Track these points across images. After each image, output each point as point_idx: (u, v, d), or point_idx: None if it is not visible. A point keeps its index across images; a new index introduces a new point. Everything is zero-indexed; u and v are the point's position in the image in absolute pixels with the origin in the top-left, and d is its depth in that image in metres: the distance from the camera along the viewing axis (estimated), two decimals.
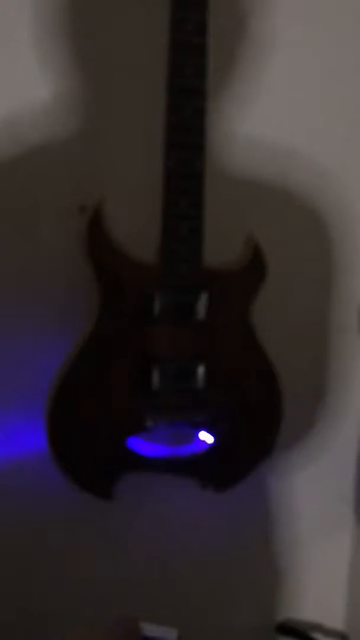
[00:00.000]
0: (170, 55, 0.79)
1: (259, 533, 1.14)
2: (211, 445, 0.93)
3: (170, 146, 0.81)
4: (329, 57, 0.96)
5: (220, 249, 0.87)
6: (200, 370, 0.89)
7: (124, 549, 1.08)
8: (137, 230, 0.86)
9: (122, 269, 0.86)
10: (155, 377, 0.88)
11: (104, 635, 0.48)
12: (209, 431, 0.92)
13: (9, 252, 0.94)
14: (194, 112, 0.80)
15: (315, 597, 1.17)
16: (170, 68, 0.79)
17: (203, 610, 1.15)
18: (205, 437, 0.93)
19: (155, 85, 0.80)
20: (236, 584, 1.16)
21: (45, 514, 1.03)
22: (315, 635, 1.17)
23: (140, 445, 0.92)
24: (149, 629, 0.52)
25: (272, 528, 1.14)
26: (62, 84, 0.89)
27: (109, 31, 0.89)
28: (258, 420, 0.94)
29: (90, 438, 0.90)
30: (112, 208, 0.86)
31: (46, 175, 0.93)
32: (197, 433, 0.93)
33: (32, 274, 0.95)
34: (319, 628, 1.18)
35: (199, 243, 0.84)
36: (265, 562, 1.16)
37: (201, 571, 1.13)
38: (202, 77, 0.79)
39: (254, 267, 0.90)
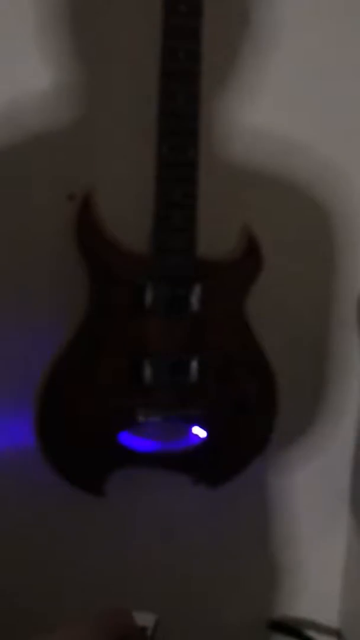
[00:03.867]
0: (163, 39, 0.77)
1: (255, 530, 1.14)
2: (204, 441, 0.92)
3: (164, 133, 0.79)
4: (332, 47, 0.94)
5: (217, 239, 0.86)
6: (194, 364, 0.87)
7: (116, 545, 1.08)
8: (130, 219, 0.84)
9: (113, 259, 0.84)
10: (147, 371, 0.86)
11: (95, 625, 0.47)
12: (202, 426, 0.91)
13: None
14: (187, 98, 0.78)
15: (310, 594, 1.17)
16: (163, 52, 0.77)
17: (197, 606, 1.15)
18: (198, 432, 0.91)
19: (150, 72, 0.79)
20: (231, 581, 1.15)
21: (35, 511, 1.02)
22: (309, 632, 1.16)
23: (132, 440, 0.91)
24: None
25: (268, 525, 1.13)
26: (55, 71, 0.87)
27: (105, 18, 0.88)
28: (252, 416, 0.93)
29: (80, 433, 0.89)
30: (103, 196, 0.85)
31: (38, 164, 0.91)
32: (190, 428, 0.92)
33: (21, 265, 0.93)
34: (313, 625, 1.18)
35: (192, 233, 0.83)
36: (261, 559, 1.15)
37: (196, 568, 1.13)
38: (195, 61, 0.77)
39: (249, 258, 0.88)
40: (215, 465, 0.95)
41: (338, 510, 1.13)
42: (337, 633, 1.18)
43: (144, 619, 0.54)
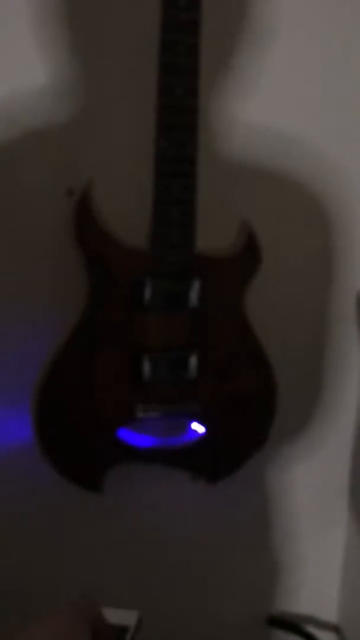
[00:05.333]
0: (162, 33, 0.76)
1: (254, 526, 1.13)
2: (203, 437, 0.91)
3: (162, 128, 0.78)
4: (331, 42, 0.94)
5: (216, 235, 0.85)
6: (192, 359, 0.87)
7: (115, 541, 1.07)
8: (128, 214, 0.84)
9: (111, 254, 0.84)
10: (146, 367, 0.86)
11: (74, 616, 0.48)
12: (200, 422, 0.91)
13: None
14: (185, 92, 0.77)
15: (309, 589, 1.17)
16: (161, 46, 0.76)
17: (196, 602, 1.15)
18: (197, 427, 0.91)
19: (149, 67, 0.78)
20: (230, 577, 1.15)
21: (33, 507, 1.02)
22: (308, 628, 1.16)
23: (131, 436, 0.90)
24: (108, 613, 0.51)
25: (267, 521, 1.13)
26: (53, 66, 0.87)
27: (104, 12, 0.87)
28: (251, 412, 0.93)
29: (79, 429, 0.89)
30: (102, 192, 0.84)
31: (37, 159, 0.90)
32: (189, 424, 0.91)
33: (20, 260, 0.93)
34: (312, 621, 1.18)
35: (191, 228, 0.82)
36: (260, 555, 1.15)
37: (195, 563, 1.12)
38: (194, 55, 0.76)
39: (248, 253, 0.87)
40: (214, 461, 0.95)
41: (337, 506, 1.13)
42: (336, 629, 1.18)
43: (126, 616, 0.54)
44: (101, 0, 0.86)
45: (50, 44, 0.86)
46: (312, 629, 1.17)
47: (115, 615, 0.53)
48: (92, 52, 0.88)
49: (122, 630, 0.53)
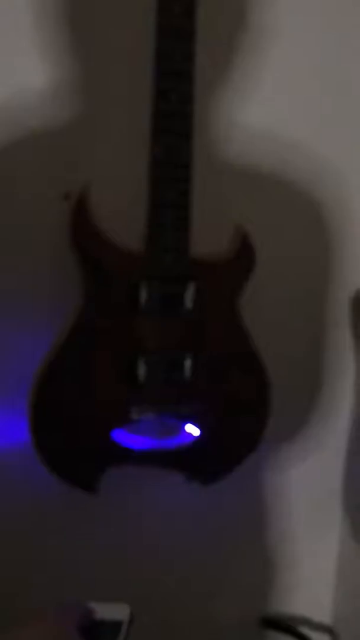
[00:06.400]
0: (157, 40, 0.77)
1: (249, 527, 1.13)
2: (197, 438, 0.92)
3: (157, 133, 0.79)
4: (330, 46, 0.95)
5: (210, 239, 0.86)
6: (187, 362, 0.88)
7: (110, 542, 1.07)
8: (125, 218, 0.84)
9: (107, 258, 0.85)
10: (141, 369, 0.87)
11: (61, 617, 0.49)
12: (195, 424, 0.91)
13: None
14: (181, 98, 0.78)
15: (303, 591, 1.17)
16: (157, 52, 0.77)
17: (191, 603, 1.14)
18: (192, 429, 0.92)
19: (147, 72, 0.79)
20: (224, 578, 1.15)
21: (29, 507, 1.02)
22: (302, 629, 1.17)
23: (126, 437, 0.91)
24: (100, 609, 0.52)
25: (262, 522, 1.13)
26: (51, 70, 0.87)
27: (102, 17, 0.88)
28: (245, 414, 0.93)
29: (74, 430, 0.89)
30: (98, 195, 0.85)
31: (34, 163, 0.91)
32: (184, 426, 0.92)
33: (17, 263, 0.93)
34: (306, 622, 1.18)
35: (186, 232, 0.83)
36: (254, 556, 1.15)
37: (189, 564, 1.12)
38: (189, 62, 0.77)
39: (242, 257, 0.88)
40: (208, 463, 0.95)
41: (331, 508, 1.13)
42: (329, 630, 1.19)
43: (118, 610, 0.54)
44: (99, 6, 0.87)
45: (49, 49, 0.87)
46: (306, 631, 1.17)
47: (106, 610, 0.53)
48: (90, 57, 0.88)
49: (116, 624, 0.53)
